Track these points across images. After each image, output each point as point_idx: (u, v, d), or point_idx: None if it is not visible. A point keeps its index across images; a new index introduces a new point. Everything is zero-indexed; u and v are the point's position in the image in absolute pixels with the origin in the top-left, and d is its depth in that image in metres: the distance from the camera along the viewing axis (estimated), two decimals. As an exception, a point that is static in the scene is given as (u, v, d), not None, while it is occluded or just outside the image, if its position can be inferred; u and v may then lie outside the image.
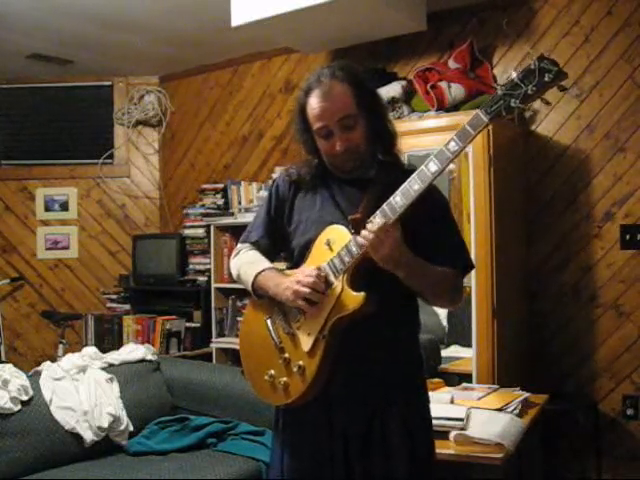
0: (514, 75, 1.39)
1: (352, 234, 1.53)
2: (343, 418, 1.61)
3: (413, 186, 1.46)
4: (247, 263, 1.74)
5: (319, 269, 1.55)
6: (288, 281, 1.58)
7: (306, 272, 1.56)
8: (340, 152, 1.60)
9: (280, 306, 1.65)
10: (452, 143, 1.44)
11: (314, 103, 1.60)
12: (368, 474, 1.60)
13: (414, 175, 1.47)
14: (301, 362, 1.58)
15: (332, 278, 1.55)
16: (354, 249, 1.52)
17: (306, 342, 1.58)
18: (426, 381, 1.76)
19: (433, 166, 1.45)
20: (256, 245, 1.78)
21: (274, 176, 1.88)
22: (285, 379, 1.61)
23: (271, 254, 1.78)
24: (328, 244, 1.58)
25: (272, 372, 1.64)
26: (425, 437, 1.68)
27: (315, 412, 1.63)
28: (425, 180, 1.45)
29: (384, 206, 1.49)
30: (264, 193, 3.70)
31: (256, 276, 1.67)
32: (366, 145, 1.63)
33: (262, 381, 1.67)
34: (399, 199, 1.47)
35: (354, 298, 1.51)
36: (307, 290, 1.53)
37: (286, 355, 1.62)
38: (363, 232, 1.47)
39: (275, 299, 1.64)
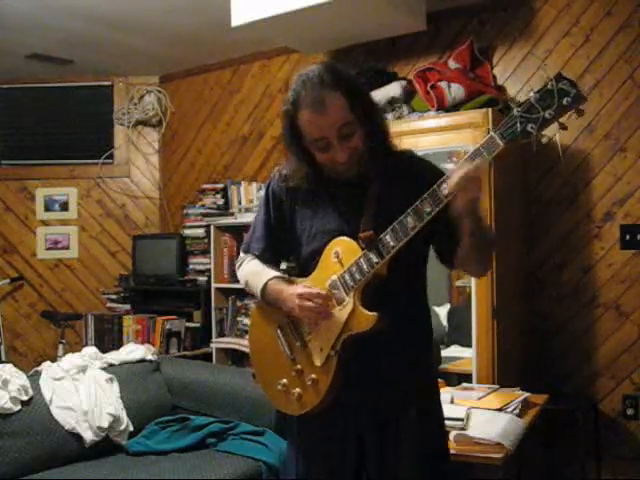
0: (531, 95, 1.34)
1: (362, 250, 1.52)
2: (357, 423, 1.62)
3: (425, 208, 1.43)
4: (252, 274, 1.74)
5: (327, 292, 1.54)
6: (293, 300, 1.56)
7: (312, 292, 1.53)
8: (343, 162, 1.54)
9: (290, 316, 1.64)
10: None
11: (308, 116, 1.52)
12: (382, 475, 1.60)
13: (426, 196, 1.43)
14: (314, 376, 1.58)
15: (343, 294, 1.54)
16: (365, 267, 1.51)
17: (318, 356, 1.58)
18: (438, 385, 1.76)
19: (446, 189, 1.41)
20: (258, 258, 1.76)
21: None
22: (298, 390, 1.61)
23: (276, 263, 1.78)
24: (337, 257, 1.56)
25: (285, 381, 1.64)
26: (439, 442, 1.68)
27: (330, 417, 1.63)
28: (438, 203, 1.42)
29: (395, 224, 1.47)
30: (263, 195, 3.69)
31: (263, 288, 1.67)
32: (365, 147, 1.58)
33: (275, 390, 1.67)
34: (410, 220, 1.45)
35: (366, 317, 1.50)
36: (312, 310, 1.52)
37: (298, 367, 1.62)
38: (452, 178, 1.40)
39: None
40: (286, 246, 1.74)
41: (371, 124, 1.59)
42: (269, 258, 1.75)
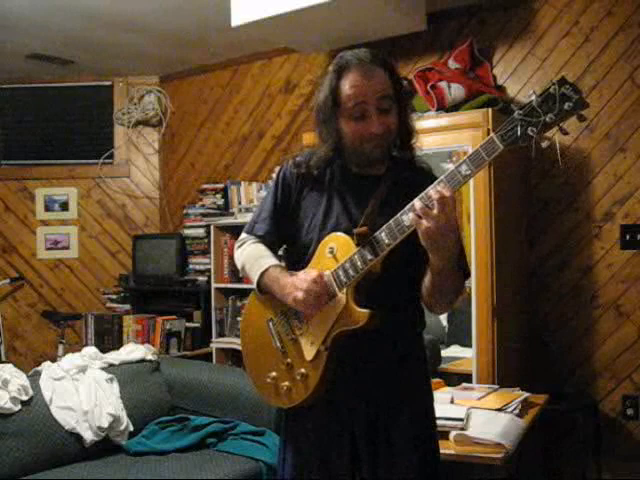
0: (533, 98, 1.33)
1: (357, 246, 1.52)
2: (348, 418, 1.62)
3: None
4: (252, 258, 1.72)
5: (320, 275, 1.52)
6: (291, 286, 1.56)
7: (306, 277, 1.52)
8: (376, 135, 1.54)
9: (283, 308, 1.64)
10: (464, 167, 1.38)
11: (354, 78, 1.55)
12: (375, 474, 1.60)
13: (422, 194, 1.42)
14: (304, 370, 1.58)
15: (336, 290, 1.54)
16: (359, 264, 1.50)
17: (309, 351, 1.58)
18: (430, 380, 1.76)
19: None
20: (261, 239, 1.74)
21: (277, 169, 1.82)
22: (287, 384, 1.61)
23: (276, 247, 1.77)
24: (332, 252, 1.56)
25: (274, 374, 1.64)
26: (430, 436, 1.68)
27: (320, 412, 1.63)
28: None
29: (391, 222, 1.46)
30: (264, 193, 3.69)
31: (261, 275, 1.65)
32: (394, 135, 1.60)
33: (264, 382, 1.67)
34: (406, 218, 1.44)
35: (359, 314, 1.50)
36: (305, 297, 1.51)
37: (288, 360, 1.62)
38: (416, 201, 1.39)
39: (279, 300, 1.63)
40: (288, 232, 1.72)
41: (404, 115, 1.63)
42: (272, 241, 1.74)
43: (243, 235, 1.79)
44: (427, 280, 1.54)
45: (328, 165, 1.65)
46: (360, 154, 1.61)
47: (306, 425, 1.66)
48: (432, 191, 1.38)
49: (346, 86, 1.56)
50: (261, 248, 1.72)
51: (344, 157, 1.64)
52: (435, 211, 1.35)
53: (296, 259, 1.68)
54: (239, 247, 1.78)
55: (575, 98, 1.32)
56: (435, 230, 1.36)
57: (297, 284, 1.53)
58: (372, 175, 1.63)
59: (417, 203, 1.39)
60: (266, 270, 1.65)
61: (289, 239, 1.73)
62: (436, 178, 1.46)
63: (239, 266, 1.77)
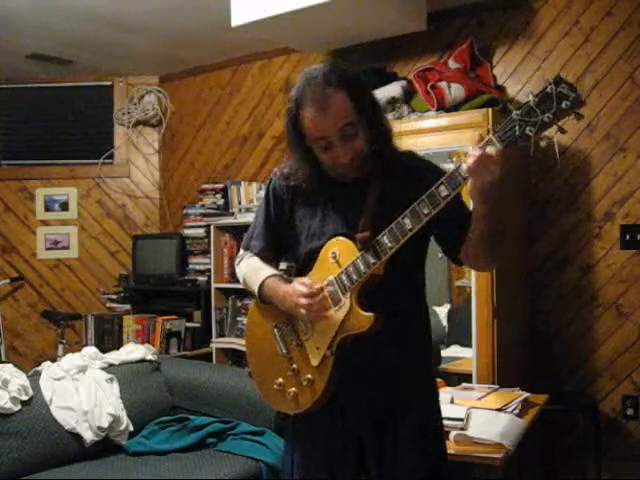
0: (530, 99, 1.33)
1: (360, 251, 1.52)
2: (355, 421, 1.62)
3: (423, 209, 1.44)
4: (251, 270, 1.74)
5: (309, 285, 1.53)
6: (289, 300, 1.57)
7: (299, 291, 1.53)
8: (345, 163, 1.54)
9: (287, 314, 1.64)
10: (464, 166, 1.39)
11: (310, 115, 1.50)
12: (382, 475, 1.60)
13: (424, 197, 1.43)
14: (310, 375, 1.59)
15: (340, 294, 1.54)
16: (362, 267, 1.51)
17: (315, 356, 1.58)
18: (436, 382, 1.76)
19: (444, 191, 1.42)
20: (258, 255, 1.76)
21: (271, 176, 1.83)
22: (294, 389, 1.62)
23: (275, 261, 1.78)
24: (334, 257, 1.56)
25: (281, 381, 1.65)
26: (437, 438, 1.68)
27: (327, 416, 1.63)
28: (436, 204, 1.43)
29: (393, 225, 1.47)
30: (264, 193, 3.69)
31: (260, 286, 1.67)
32: (368, 149, 1.57)
33: (271, 389, 1.67)
34: (408, 221, 1.45)
35: (363, 318, 1.51)
36: (307, 312, 1.52)
37: (294, 366, 1.62)
38: (469, 156, 1.38)
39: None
40: (285, 245, 1.74)
41: (375, 125, 1.58)
42: (268, 256, 1.75)
43: (241, 251, 1.82)
44: (473, 239, 1.53)
45: (315, 175, 1.64)
46: (338, 174, 1.60)
47: (312, 428, 1.66)
48: (472, 158, 1.37)
49: (305, 120, 1.52)
50: (258, 261, 1.74)
51: (326, 170, 1.63)
52: (485, 169, 1.37)
53: (299, 267, 1.69)
54: (239, 263, 1.81)
55: (572, 96, 1.32)
56: (488, 184, 1.40)
57: (295, 298, 1.54)
58: (360, 178, 1.61)
59: (465, 166, 1.39)
60: (263, 282, 1.66)
61: (289, 249, 1.73)
62: (423, 159, 1.45)
63: (241, 281, 1.79)
